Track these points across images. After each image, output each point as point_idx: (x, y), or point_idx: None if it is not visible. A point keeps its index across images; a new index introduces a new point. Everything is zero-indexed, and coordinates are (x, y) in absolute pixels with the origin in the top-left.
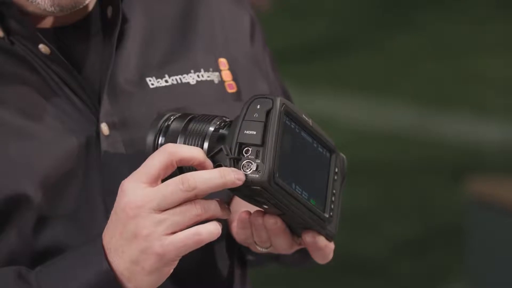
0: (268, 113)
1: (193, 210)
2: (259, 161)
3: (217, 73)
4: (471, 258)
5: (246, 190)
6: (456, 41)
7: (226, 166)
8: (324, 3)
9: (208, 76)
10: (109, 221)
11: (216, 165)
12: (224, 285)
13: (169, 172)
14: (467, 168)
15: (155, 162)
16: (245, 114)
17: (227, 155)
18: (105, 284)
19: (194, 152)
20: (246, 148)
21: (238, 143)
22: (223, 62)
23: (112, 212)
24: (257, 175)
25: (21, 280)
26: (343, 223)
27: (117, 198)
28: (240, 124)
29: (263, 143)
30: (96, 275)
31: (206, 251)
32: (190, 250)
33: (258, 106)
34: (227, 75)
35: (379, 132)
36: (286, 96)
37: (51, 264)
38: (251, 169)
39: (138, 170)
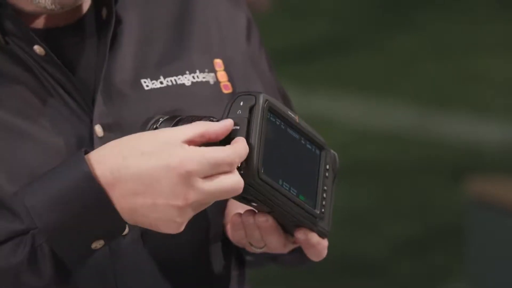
0: (251, 109)
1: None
2: None
3: (212, 74)
4: (471, 258)
5: None
6: (456, 41)
7: None
8: (324, 3)
9: (204, 77)
10: (141, 163)
11: None
12: (221, 286)
13: None
14: (467, 168)
15: (223, 169)
16: (228, 111)
17: None
18: (99, 205)
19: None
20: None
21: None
22: (218, 62)
23: (155, 161)
24: (242, 172)
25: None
26: (343, 223)
27: (176, 176)
28: None
29: (247, 139)
30: (78, 176)
31: (202, 251)
32: None
33: (241, 103)
34: (222, 76)
35: (379, 132)
36: (283, 96)
37: (34, 187)
38: None
39: (208, 165)
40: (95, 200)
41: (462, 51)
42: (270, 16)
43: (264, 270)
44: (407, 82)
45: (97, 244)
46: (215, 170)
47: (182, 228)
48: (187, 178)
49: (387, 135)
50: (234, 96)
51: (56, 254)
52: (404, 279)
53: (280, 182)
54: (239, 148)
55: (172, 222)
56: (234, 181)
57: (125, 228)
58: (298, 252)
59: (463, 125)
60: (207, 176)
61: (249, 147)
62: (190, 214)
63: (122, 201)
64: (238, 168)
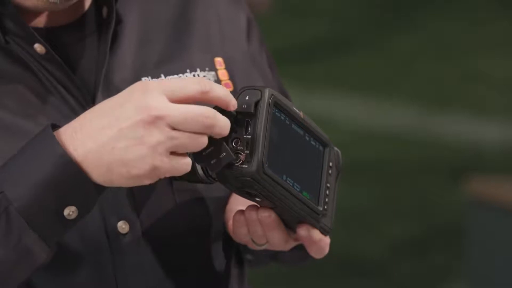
0: (256, 104)
1: (203, 140)
2: (248, 151)
3: (213, 73)
4: (471, 258)
5: (237, 182)
6: (456, 41)
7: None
8: (324, 3)
9: (204, 76)
10: (105, 104)
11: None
12: (221, 285)
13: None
14: (467, 168)
15: (189, 90)
16: None
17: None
18: (64, 168)
19: (229, 102)
20: (236, 139)
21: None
22: (219, 61)
23: (116, 98)
24: (246, 166)
25: None
26: (343, 223)
27: (136, 94)
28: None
29: (252, 134)
30: (53, 162)
31: (203, 250)
32: (174, 175)
33: (247, 97)
34: (223, 74)
35: (379, 132)
36: (284, 95)
37: (5, 163)
38: (240, 160)
39: (171, 83)
40: (59, 164)
41: (462, 51)
42: (270, 16)
43: (265, 269)
44: (407, 82)
45: (70, 212)
46: (182, 91)
47: (155, 162)
48: (149, 91)
49: (387, 135)
50: (239, 90)
51: (28, 224)
52: (404, 279)
53: (284, 177)
54: (216, 86)
55: (141, 146)
56: (204, 109)
57: (94, 193)
58: (299, 250)
59: (463, 125)
60: (175, 99)
61: (254, 141)
62: (158, 135)
63: (89, 143)
64: (242, 162)
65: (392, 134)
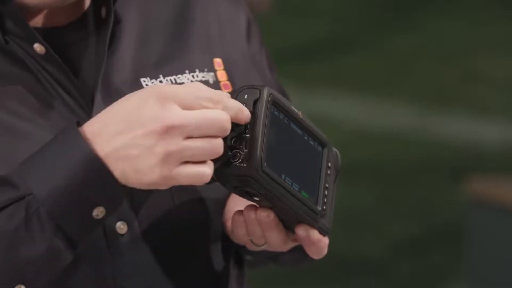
0: (255, 102)
1: (218, 143)
2: (246, 150)
3: (212, 73)
4: (471, 258)
5: (236, 181)
6: (456, 41)
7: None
8: (324, 3)
9: (203, 77)
10: (117, 107)
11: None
12: (220, 286)
13: None
14: (467, 168)
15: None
16: None
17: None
18: (90, 167)
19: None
20: (235, 138)
21: None
22: (218, 62)
23: (132, 103)
24: (245, 164)
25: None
26: (342, 223)
27: (151, 101)
28: None
29: (250, 133)
30: (78, 159)
31: (202, 250)
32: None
33: (246, 96)
34: (222, 75)
35: (379, 132)
36: (284, 96)
37: (29, 161)
38: (239, 158)
39: (186, 95)
40: (87, 166)
41: (462, 51)
42: (270, 16)
43: (265, 269)
44: (407, 82)
45: (98, 212)
46: (196, 101)
47: (163, 172)
48: (164, 101)
49: (387, 135)
50: (238, 89)
51: (58, 225)
52: (404, 279)
53: (283, 176)
54: (228, 97)
55: (151, 156)
56: (217, 112)
57: (121, 191)
58: (298, 251)
59: (463, 125)
60: (188, 107)
61: (253, 140)
62: (169, 145)
63: (106, 147)
64: (241, 161)
65: (392, 134)
